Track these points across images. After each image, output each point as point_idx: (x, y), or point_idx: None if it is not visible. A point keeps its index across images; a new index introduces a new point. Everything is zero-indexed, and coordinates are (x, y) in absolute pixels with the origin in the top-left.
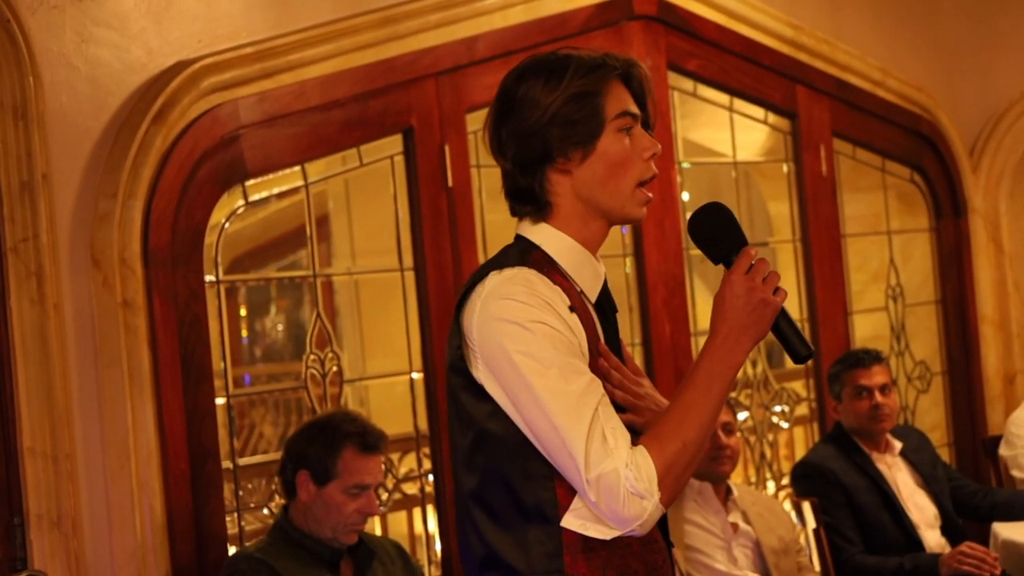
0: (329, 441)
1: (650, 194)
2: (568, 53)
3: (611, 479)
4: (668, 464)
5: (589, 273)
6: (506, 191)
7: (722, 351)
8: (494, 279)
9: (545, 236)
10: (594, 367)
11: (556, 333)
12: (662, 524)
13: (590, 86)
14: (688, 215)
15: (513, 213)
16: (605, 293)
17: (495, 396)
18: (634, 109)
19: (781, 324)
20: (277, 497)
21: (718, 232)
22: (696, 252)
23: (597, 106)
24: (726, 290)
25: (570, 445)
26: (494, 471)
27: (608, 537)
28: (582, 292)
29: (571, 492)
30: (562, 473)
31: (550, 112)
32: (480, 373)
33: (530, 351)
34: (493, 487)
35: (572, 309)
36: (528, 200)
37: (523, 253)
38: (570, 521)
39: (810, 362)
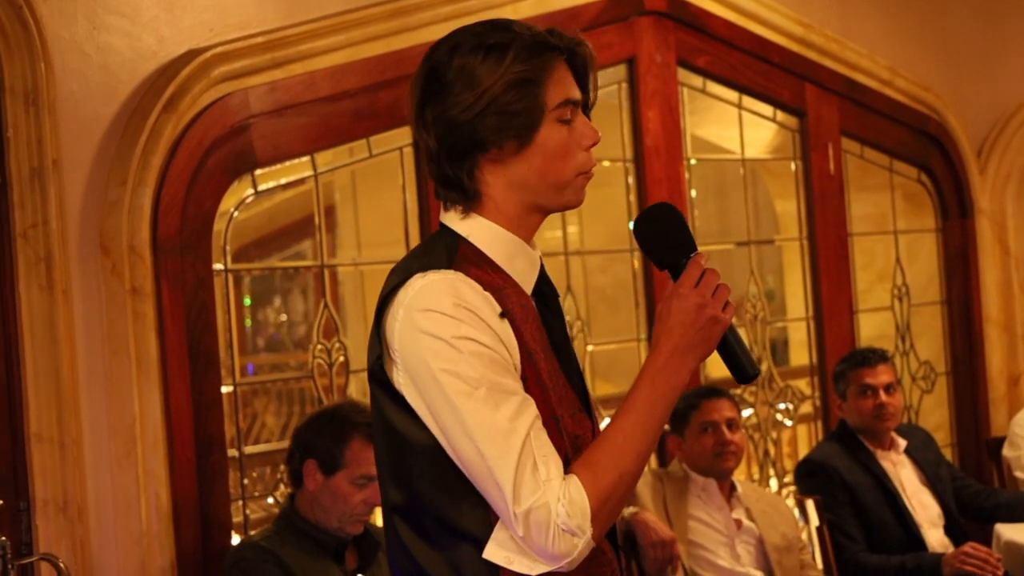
0: (337, 431)
1: (591, 174)
2: (507, 27)
3: (541, 514)
4: (603, 498)
5: (523, 263)
6: (431, 175)
7: (665, 372)
8: (418, 284)
9: (473, 227)
10: (533, 368)
11: (484, 350)
12: (610, 532)
13: (532, 72)
14: (694, 212)
15: (438, 197)
16: (543, 279)
17: (417, 410)
18: (576, 95)
19: (729, 341)
20: (282, 486)
21: (666, 236)
22: (702, 248)
23: (538, 95)
24: (673, 303)
25: (497, 475)
26: (422, 486)
27: (534, 573)
28: (517, 285)
29: None
30: (489, 501)
31: (485, 99)
32: (401, 385)
33: (457, 370)
34: (420, 503)
35: (503, 315)
36: (455, 188)
37: (450, 249)
38: (493, 553)
39: (815, 360)
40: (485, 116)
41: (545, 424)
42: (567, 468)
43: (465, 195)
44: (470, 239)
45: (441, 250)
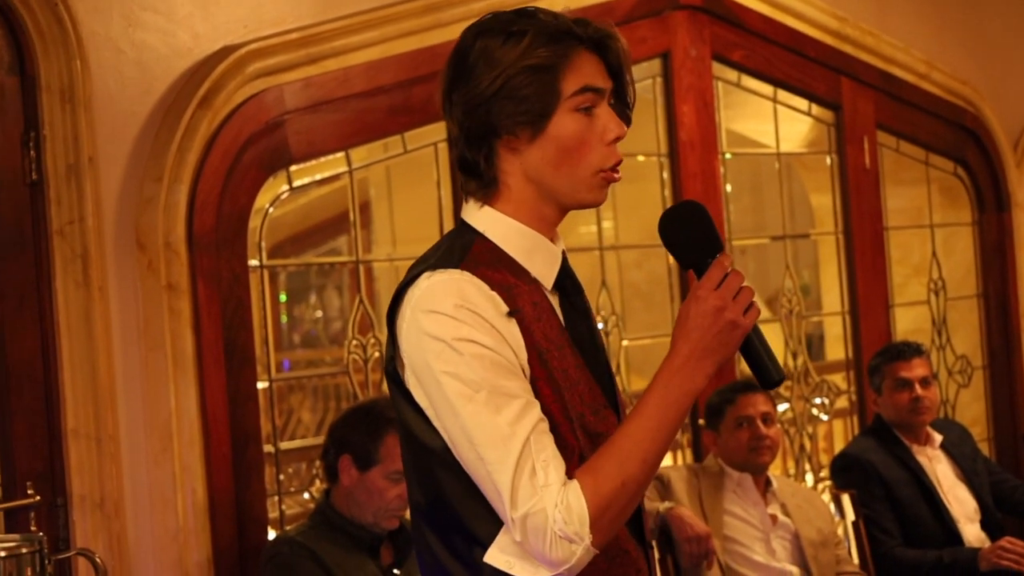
0: (372, 427)
1: (617, 175)
2: (533, 14)
3: (538, 520)
4: (603, 506)
5: (543, 258)
6: (455, 160)
7: (680, 376)
8: (424, 283)
9: (490, 222)
10: (543, 369)
11: (486, 352)
12: (636, 528)
13: (548, 58)
14: (728, 206)
15: (461, 189)
16: (566, 274)
17: (425, 411)
18: (598, 83)
19: (753, 344)
20: (317, 481)
21: (691, 235)
22: (737, 243)
23: (551, 82)
24: (692, 306)
25: (496, 479)
26: (438, 488)
27: None
28: (536, 280)
29: None
30: (492, 505)
31: (499, 82)
32: (411, 386)
33: (457, 372)
34: (439, 505)
35: (511, 314)
36: (474, 174)
37: (464, 246)
38: (495, 557)
39: (851, 354)
40: (499, 100)
41: (558, 424)
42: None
43: (483, 181)
44: (487, 234)
45: (454, 248)
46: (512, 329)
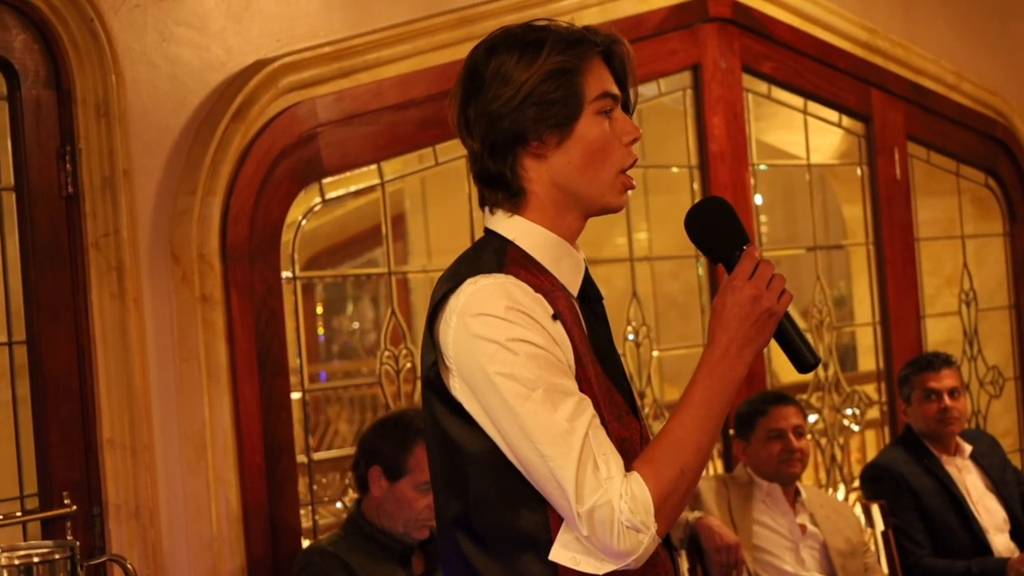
0: (401, 437)
1: (633, 182)
2: (545, 25)
3: (604, 512)
4: (665, 493)
5: (569, 265)
6: (474, 175)
7: (722, 366)
8: (469, 289)
9: (519, 230)
10: (582, 372)
11: (539, 352)
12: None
13: (569, 63)
14: (759, 218)
15: (482, 203)
16: (588, 282)
17: (475, 415)
18: (615, 90)
19: (787, 330)
20: (350, 491)
21: (718, 230)
22: (769, 254)
23: (576, 85)
24: (728, 297)
25: (559, 476)
26: (479, 495)
27: (601, 572)
28: (564, 288)
29: (560, 516)
30: (551, 503)
31: (524, 90)
32: (457, 391)
33: (513, 373)
34: (479, 512)
35: (555, 317)
36: (499, 186)
37: (498, 253)
38: (559, 555)
39: (882, 365)
40: (525, 108)
41: None
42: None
43: (509, 192)
44: (517, 242)
45: (490, 254)
46: (559, 330)
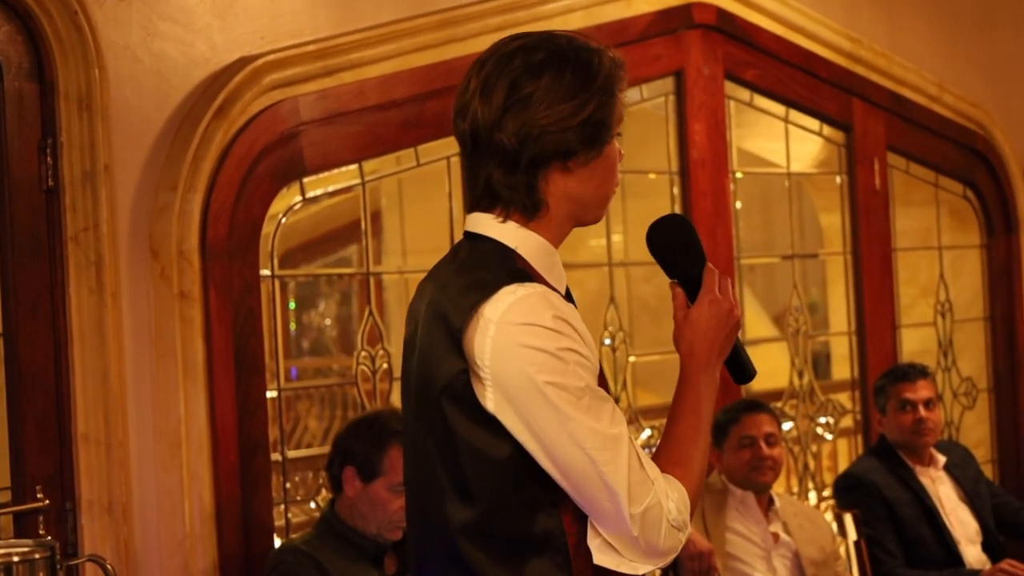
0: (376, 438)
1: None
2: (587, 44)
3: (655, 512)
4: (695, 493)
5: (558, 273)
6: (490, 183)
7: (707, 374)
8: (509, 298)
9: (522, 238)
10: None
11: (585, 360)
12: None
13: (616, 85)
14: (738, 225)
15: (484, 208)
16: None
17: (506, 422)
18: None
19: (738, 343)
20: (324, 490)
21: (680, 246)
22: (746, 262)
23: (617, 108)
24: (706, 309)
25: (610, 480)
26: (496, 501)
27: (640, 572)
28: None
29: (577, 519)
30: (591, 508)
31: (585, 111)
32: (489, 399)
33: (564, 382)
34: (494, 518)
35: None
36: (521, 196)
37: (511, 260)
38: (603, 559)
39: (857, 374)
40: (581, 127)
41: None
42: None
43: (529, 203)
44: (519, 250)
45: (504, 262)
46: (590, 338)
